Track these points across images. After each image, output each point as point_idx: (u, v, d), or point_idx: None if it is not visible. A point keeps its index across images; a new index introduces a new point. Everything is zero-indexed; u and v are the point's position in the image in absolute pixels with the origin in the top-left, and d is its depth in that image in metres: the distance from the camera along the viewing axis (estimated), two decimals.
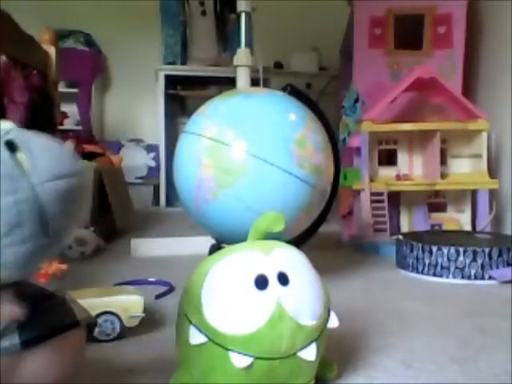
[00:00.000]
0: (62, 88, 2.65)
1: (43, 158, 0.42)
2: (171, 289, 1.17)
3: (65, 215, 0.43)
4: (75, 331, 0.53)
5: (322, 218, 1.35)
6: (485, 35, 2.27)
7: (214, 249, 1.17)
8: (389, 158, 1.93)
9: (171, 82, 3.45)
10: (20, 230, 0.40)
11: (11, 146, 0.42)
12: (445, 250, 1.33)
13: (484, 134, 1.85)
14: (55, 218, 0.42)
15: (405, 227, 1.92)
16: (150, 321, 0.91)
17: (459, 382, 0.70)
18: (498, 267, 1.30)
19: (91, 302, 0.78)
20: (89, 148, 2.13)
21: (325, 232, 1.59)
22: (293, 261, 0.63)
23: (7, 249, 0.40)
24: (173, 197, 3.33)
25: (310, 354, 0.60)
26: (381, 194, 1.81)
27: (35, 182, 0.41)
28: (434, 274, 1.34)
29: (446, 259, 1.32)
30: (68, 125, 3.61)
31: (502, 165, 2.03)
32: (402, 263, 1.45)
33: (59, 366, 0.52)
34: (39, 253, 0.43)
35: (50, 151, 0.44)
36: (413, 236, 1.51)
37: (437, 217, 1.93)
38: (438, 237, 1.52)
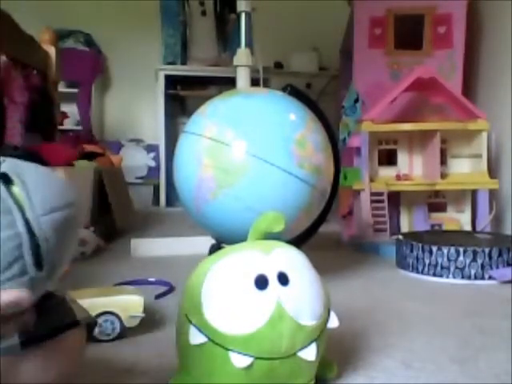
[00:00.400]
0: (62, 88, 2.65)
1: (38, 191, 0.42)
2: (171, 289, 1.17)
3: (61, 246, 0.43)
4: (75, 331, 0.53)
5: (321, 218, 1.35)
6: (485, 35, 2.27)
7: (214, 249, 1.17)
8: (389, 158, 1.93)
9: (171, 82, 3.45)
10: (19, 263, 0.40)
11: (5, 180, 0.41)
12: (445, 250, 1.33)
13: (484, 134, 1.85)
14: (51, 250, 0.41)
15: (405, 227, 1.92)
16: (150, 321, 0.91)
17: (459, 382, 0.70)
18: (498, 267, 1.30)
19: (91, 302, 0.78)
20: (89, 148, 2.13)
21: (325, 232, 1.59)
22: (293, 261, 0.63)
23: (7, 283, 0.40)
24: (173, 197, 3.33)
25: (310, 353, 0.60)
26: (381, 194, 1.81)
27: (31, 217, 0.40)
28: (434, 274, 1.34)
29: (445, 259, 1.32)
30: (68, 125, 3.61)
31: (502, 165, 2.03)
32: (402, 263, 1.45)
33: (59, 366, 0.52)
34: (36, 286, 0.42)
35: (44, 183, 0.43)
36: (413, 236, 1.51)
37: (437, 217, 1.93)
38: (438, 237, 1.52)
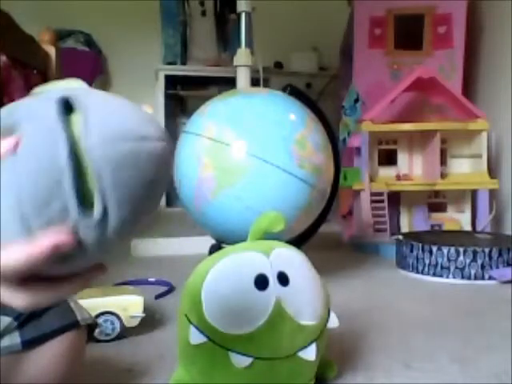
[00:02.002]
0: None
1: (101, 117, 0.34)
2: (171, 289, 1.17)
3: (125, 188, 0.33)
4: (75, 332, 0.53)
5: (321, 218, 1.35)
6: (485, 35, 2.27)
7: (214, 249, 1.17)
8: (389, 158, 1.93)
9: (171, 81, 3.45)
10: (57, 202, 0.31)
11: (66, 106, 0.33)
12: (445, 250, 1.33)
13: (484, 134, 1.85)
14: (108, 190, 0.32)
15: (405, 227, 1.92)
16: (150, 321, 0.91)
17: (459, 382, 0.70)
18: (498, 267, 1.30)
19: (91, 302, 0.78)
20: None
21: (325, 232, 1.59)
22: (293, 261, 0.63)
23: (44, 227, 0.31)
24: (173, 197, 3.33)
25: (310, 354, 0.60)
26: (381, 194, 1.81)
27: (82, 147, 0.32)
28: (434, 274, 1.34)
29: (445, 259, 1.32)
30: None
31: (502, 165, 2.03)
32: (401, 263, 1.45)
33: (60, 365, 0.52)
34: (87, 235, 0.33)
35: (113, 109, 0.35)
36: (413, 236, 1.51)
37: (437, 217, 1.92)
38: (437, 237, 1.52)
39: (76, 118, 0.33)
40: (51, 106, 0.33)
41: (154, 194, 0.36)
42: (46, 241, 0.31)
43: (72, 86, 0.37)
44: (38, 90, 0.38)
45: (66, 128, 0.32)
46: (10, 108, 0.34)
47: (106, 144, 0.33)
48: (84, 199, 0.32)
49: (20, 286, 0.32)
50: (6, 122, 0.33)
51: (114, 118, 0.34)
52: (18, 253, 0.31)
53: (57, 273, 0.34)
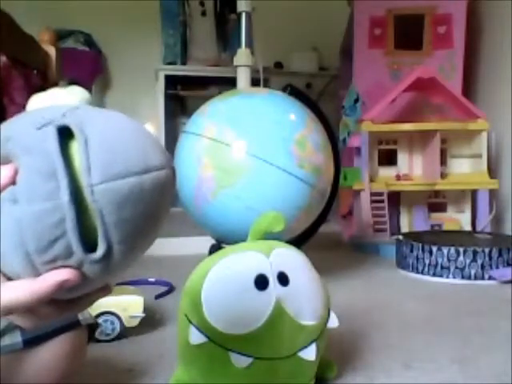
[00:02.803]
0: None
1: (102, 150, 0.32)
2: (171, 289, 1.17)
3: (126, 224, 0.33)
4: (76, 331, 0.53)
5: (321, 218, 1.35)
6: (485, 35, 2.27)
7: (214, 249, 1.17)
8: (389, 158, 1.93)
9: (171, 81, 3.44)
10: (61, 242, 0.31)
11: (65, 133, 0.32)
12: (445, 250, 1.33)
13: (484, 134, 1.85)
14: (109, 227, 0.32)
15: (405, 227, 1.92)
16: (150, 321, 0.91)
17: (459, 382, 0.70)
18: (498, 267, 1.30)
19: None
20: None
21: (325, 232, 1.59)
22: (293, 261, 0.63)
23: (50, 266, 0.31)
24: (173, 197, 3.32)
25: (310, 353, 0.60)
26: (381, 194, 1.81)
27: (82, 183, 0.31)
28: (434, 274, 1.34)
29: (445, 259, 1.32)
30: None
31: (502, 165, 2.03)
32: (401, 263, 1.45)
33: (60, 365, 0.52)
34: (90, 271, 0.33)
35: (115, 139, 0.33)
36: (413, 236, 1.51)
37: (437, 217, 1.93)
38: (437, 237, 1.52)
39: (76, 152, 0.32)
40: (51, 137, 0.31)
41: (156, 225, 0.36)
42: (50, 279, 0.31)
43: (72, 104, 0.35)
44: (37, 100, 0.36)
45: (67, 164, 0.31)
46: (5, 130, 0.33)
47: (108, 181, 0.32)
48: (88, 236, 0.32)
49: (27, 311, 0.33)
50: (2, 148, 0.32)
51: (116, 150, 0.33)
52: (22, 290, 0.31)
53: (63, 298, 0.35)
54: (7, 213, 0.31)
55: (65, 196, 0.31)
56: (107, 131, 0.33)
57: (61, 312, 0.35)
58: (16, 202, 0.31)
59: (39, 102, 0.37)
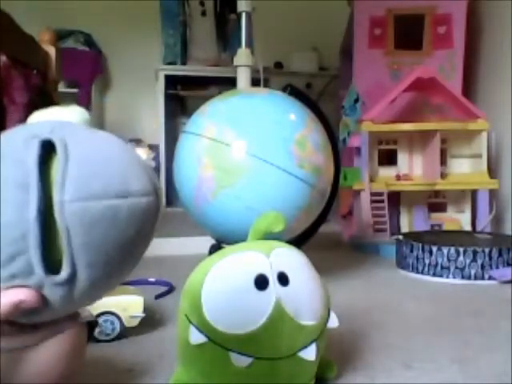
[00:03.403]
0: (61, 88, 2.65)
1: (81, 169, 0.31)
2: (171, 289, 1.17)
3: (97, 249, 0.30)
4: (76, 329, 0.53)
5: (321, 218, 1.35)
6: (485, 35, 2.27)
7: (214, 249, 1.17)
8: (389, 158, 1.93)
9: (171, 81, 3.45)
10: (22, 258, 0.29)
11: (49, 149, 0.31)
12: (445, 250, 1.33)
13: (484, 134, 1.85)
14: (77, 249, 0.30)
15: (405, 227, 1.92)
16: (150, 321, 0.91)
17: (459, 382, 0.70)
18: (497, 267, 1.30)
19: None
20: None
21: (325, 232, 1.59)
22: (293, 261, 0.63)
23: (8, 283, 0.30)
24: (173, 197, 3.33)
25: (310, 354, 0.60)
26: (381, 194, 1.81)
27: (54, 200, 0.30)
28: (434, 274, 1.34)
29: (445, 259, 1.32)
30: None
31: (502, 165, 2.03)
32: (401, 263, 1.45)
33: (60, 363, 0.52)
34: (50, 295, 0.31)
35: (97, 160, 0.32)
36: (413, 236, 1.51)
37: (437, 217, 1.93)
38: (437, 237, 1.52)
39: (56, 167, 0.30)
40: (32, 149, 0.30)
41: (132, 254, 0.34)
42: (5, 298, 0.29)
43: (66, 122, 0.34)
44: (37, 116, 0.35)
45: (42, 178, 0.30)
46: None
47: (79, 201, 0.30)
48: (53, 258, 0.30)
49: None
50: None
51: (95, 171, 0.31)
52: None
53: (24, 321, 0.33)
54: None
55: (33, 210, 0.29)
56: (91, 151, 0.32)
57: (22, 335, 0.32)
58: None
59: (39, 118, 0.36)
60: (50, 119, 0.35)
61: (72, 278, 0.31)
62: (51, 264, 0.30)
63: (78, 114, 0.36)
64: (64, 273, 0.30)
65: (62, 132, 0.32)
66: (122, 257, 0.33)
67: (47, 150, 0.31)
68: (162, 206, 0.35)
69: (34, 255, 0.30)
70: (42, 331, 0.33)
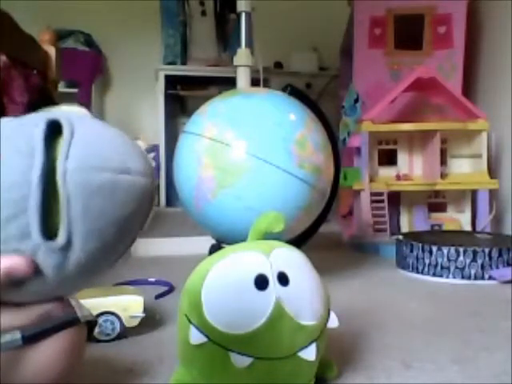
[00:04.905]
0: (62, 88, 2.65)
1: (83, 144, 0.32)
2: (171, 289, 1.17)
3: (94, 219, 0.31)
4: (76, 328, 0.53)
5: (322, 218, 1.35)
6: (485, 35, 2.27)
7: (214, 249, 1.17)
8: (389, 158, 1.93)
9: (171, 82, 3.45)
10: (19, 221, 0.30)
11: (55, 128, 0.32)
12: (445, 250, 1.33)
13: (484, 134, 1.85)
14: (75, 217, 0.31)
15: (405, 227, 1.92)
16: (150, 321, 0.91)
17: (459, 382, 0.70)
18: (498, 267, 1.30)
19: (91, 302, 0.78)
20: None
21: (325, 232, 1.59)
22: (293, 261, 0.63)
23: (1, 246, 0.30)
24: (173, 197, 3.33)
25: (310, 354, 0.60)
26: (381, 194, 1.81)
27: (58, 168, 0.31)
28: (434, 274, 1.34)
29: (445, 259, 1.32)
30: None
31: (502, 165, 2.03)
32: (401, 263, 1.45)
33: (60, 362, 0.52)
34: (45, 262, 0.31)
35: (99, 139, 0.33)
36: (413, 236, 1.51)
37: (437, 217, 1.93)
38: (437, 237, 1.52)
39: (61, 143, 0.32)
40: (39, 126, 0.32)
41: (127, 231, 0.34)
42: None
43: (72, 110, 0.36)
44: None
45: (47, 148, 0.31)
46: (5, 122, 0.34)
47: (82, 170, 0.31)
48: (49, 224, 0.31)
49: None
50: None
51: (98, 147, 0.33)
52: None
53: (9, 299, 0.33)
54: None
55: (35, 173, 0.30)
56: (95, 132, 0.34)
57: (6, 313, 0.32)
58: None
59: None
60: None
61: (67, 246, 0.31)
62: (48, 231, 0.31)
63: (81, 112, 0.37)
64: (60, 239, 0.31)
65: (69, 115, 0.34)
66: (116, 233, 0.33)
67: (55, 130, 0.32)
68: (155, 193, 0.37)
69: (33, 218, 0.30)
70: (28, 310, 0.32)
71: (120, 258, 0.36)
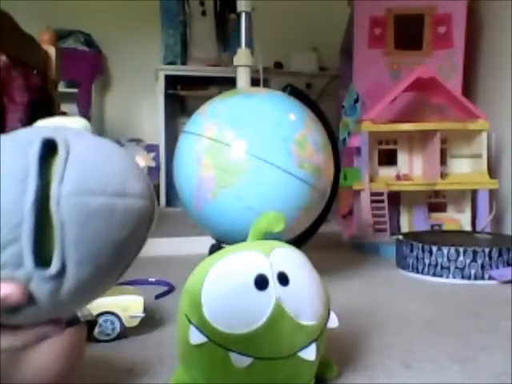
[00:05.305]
0: (62, 88, 2.64)
1: (80, 165, 0.31)
2: (171, 289, 1.17)
3: (90, 245, 0.31)
4: (75, 328, 0.53)
5: (321, 218, 1.35)
6: (485, 35, 2.27)
7: (214, 249, 1.17)
8: (389, 158, 1.93)
9: (171, 82, 3.45)
10: (14, 248, 0.30)
11: (51, 150, 0.31)
12: (445, 250, 1.33)
13: (484, 134, 1.85)
14: (69, 244, 0.30)
15: (405, 227, 1.92)
16: (150, 321, 0.91)
17: (459, 382, 0.70)
18: (498, 267, 1.30)
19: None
20: None
21: (325, 232, 1.59)
22: (293, 261, 0.63)
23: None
24: (173, 197, 3.32)
25: (310, 354, 0.60)
26: (381, 194, 1.81)
27: (51, 193, 0.30)
28: (434, 274, 1.34)
29: (445, 259, 1.32)
30: None
31: (502, 165, 2.03)
32: (401, 263, 1.45)
33: (59, 362, 0.52)
34: (39, 291, 0.30)
35: (97, 159, 0.32)
36: (413, 236, 1.51)
37: (437, 217, 1.93)
38: (437, 237, 1.52)
39: (56, 164, 0.31)
40: (34, 145, 0.31)
41: (122, 256, 0.33)
42: None
43: (69, 126, 0.35)
44: (41, 123, 0.36)
45: (42, 170, 0.30)
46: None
47: (77, 194, 0.30)
48: (43, 251, 0.30)
49: None
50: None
51: (94, 168, 0.32)
52: None
53: (7, 322, 0.32)
54: None
55: (29, 199, 0.29)
56: (92, 152, 0.33)
57: (3, 336, 0.32)
58: None
59: (43, 124, 0.37)
60: (53, 124, 0.36)
61: (61, 274, 0.31)
62: (42, 258, 0.30)
63: (81, 123, 0.37)
64: (53, 267, 0.30)
65: (65, 133, 0.33)
66: (112, 258, 0.33)
67: (50, 149, 0.32)
68: (156, 214, 0.35)
69: (26, 245, 0.30)
70: (24, 334, 0.33)
71: (115, 282, 0.35)
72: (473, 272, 1.30)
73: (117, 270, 0.34)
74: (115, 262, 0.33)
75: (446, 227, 1.87)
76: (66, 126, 0.36)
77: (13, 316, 0.32)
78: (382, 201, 1.81)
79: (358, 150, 1.87)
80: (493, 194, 1.86)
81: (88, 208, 0.30)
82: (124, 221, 0.32)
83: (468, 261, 1.30)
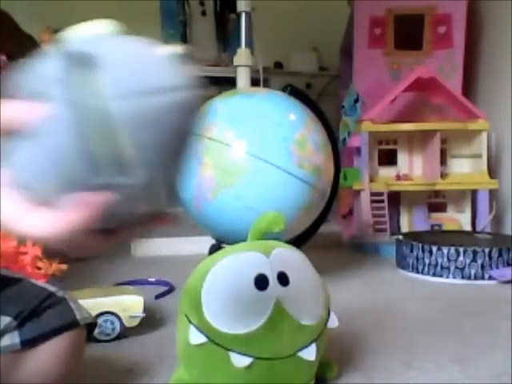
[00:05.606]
0: None
1: (121, 71, 0.32)
2: (171, 289, 1.17)
3: (153, 146, 0.32)
4: (75, 331, 0.53)
5: (321, 218, 1.35)
6: (485, 35, 2.27)
7: (214, 249, 1.17)
8: (389, 158, 1.93)
9: None
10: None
11: (85, 62, 0.32)
12: (445, 250, 1.33)
13: (484, 134, 1.84)
14: (135, 149, 0.31)
15: (405, 227, 1.92)
16: (150, 321, 0.91)
17: (459, 382, 0.70)
18: (497, 267, 1.30)
19: (91, 302, 0.78)
20: None
21: (325, 232, 1.59)
22: (293, 261, 0.63)
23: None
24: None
25: (310, 354, 0.60)
26: (381, 194, 1.81)
27: (103, 101, 0.30)
28: (434, 274, 1.34)
29: (445, 259, 1.32)
30: None
31: (502, 165, 2.03)
32: (401, 263, 1.45)
33: (59, 365, 0.52)
34: (120, 197, 0.32)
35: (133, 60, 0.33)
36: (413, 236, 1.51)
37: (437, 217, 1.92)
38: (437, 237, 1.52)
39: (96, 76, 0.31)
40: (70, 64, 0.32)
41: (180, 145, 0.37)
42: (93, 199, 0.31)
43: (98, 32, 0.36)
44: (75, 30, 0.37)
45: (88, 85, 0.31)
46: (34, 66, 0.33)
47: (127, 97, 0.31)
48: (115, 158, 0.32)
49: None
50: (34, 87, 0.32)
51: (133, 73, 0.33)
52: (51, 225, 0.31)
53: (108, 226, 0.35)
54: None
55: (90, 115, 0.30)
56: (126, 55, 0.34)
57: (106, 241, 0.34)
58: (53, 124, 0.30)
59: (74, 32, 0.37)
60: (82, 32, 0.36)
61: (133, 177, 0.32)
62: (117, 165, 0.32)
63: (109, 26, 0.37)
64: (128, 171, 0.32)
65: (94, 44, 0.34)
66: (171, 150, 0.35)
67: (84, 63, 0.32)
68: (199, 105, 0.36)
69: (103, 156, 0.31)
70: (120, 234, 0.35)
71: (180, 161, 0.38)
72: (473, 272, 1.30)
73: (178, 157, 0.38)
74: (175, 152, 0.36)
75: (446, 227, 1.87)
76: (95, 33, 0.36)
77: (112, 219, 0.34)
78: (382, 201, 1.80)
79: (358, 149, 1.87)
80: (493, 194, 1.85)
81: (140, 111, 0.31)
82: (174, 114, 0.33)
83: (468, 261, 1.30)
